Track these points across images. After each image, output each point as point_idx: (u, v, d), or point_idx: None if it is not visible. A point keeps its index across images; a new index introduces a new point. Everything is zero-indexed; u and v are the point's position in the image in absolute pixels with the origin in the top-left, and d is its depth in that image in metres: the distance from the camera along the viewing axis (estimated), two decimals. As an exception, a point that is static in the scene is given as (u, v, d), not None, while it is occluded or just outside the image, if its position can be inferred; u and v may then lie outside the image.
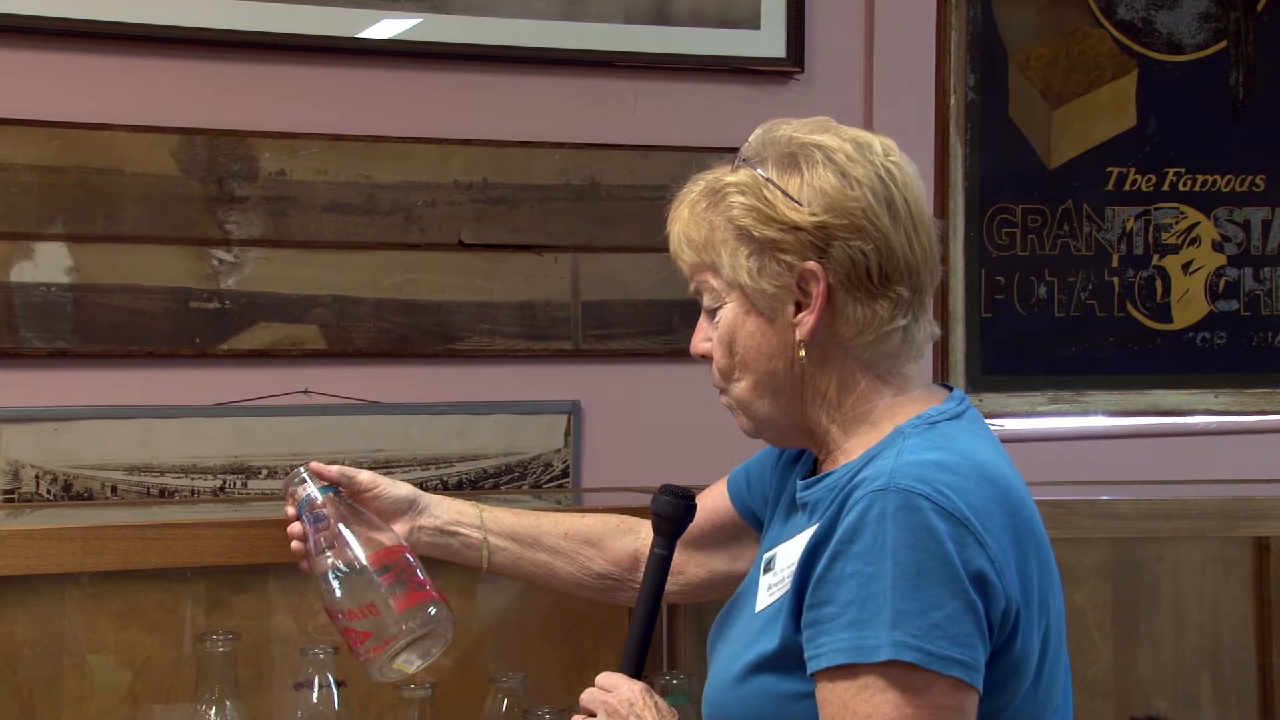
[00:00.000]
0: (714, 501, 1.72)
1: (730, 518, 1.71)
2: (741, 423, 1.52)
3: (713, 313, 1.49)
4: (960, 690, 1.29)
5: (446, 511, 1.74)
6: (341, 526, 1.64)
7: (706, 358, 1.52)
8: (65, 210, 2.40)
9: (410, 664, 1.63)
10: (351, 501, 1.69)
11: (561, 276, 2.65)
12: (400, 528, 1.70)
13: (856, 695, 1.29)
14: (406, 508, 1.72)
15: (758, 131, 1.49)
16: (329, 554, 1.63)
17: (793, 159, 1.43)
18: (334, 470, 1.69)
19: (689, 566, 1.75)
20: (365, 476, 1.71)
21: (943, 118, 2.84)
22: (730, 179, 1.46)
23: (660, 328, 2.70)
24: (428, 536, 1.73)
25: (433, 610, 1.61)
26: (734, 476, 1.72)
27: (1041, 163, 2.90)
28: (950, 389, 1.51)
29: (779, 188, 1.42)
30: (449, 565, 1.79)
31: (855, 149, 1.43)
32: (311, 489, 1.67)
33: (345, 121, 2.54)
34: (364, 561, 1.61)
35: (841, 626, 1.30)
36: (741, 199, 1.43)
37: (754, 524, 1.68)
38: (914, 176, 1.46)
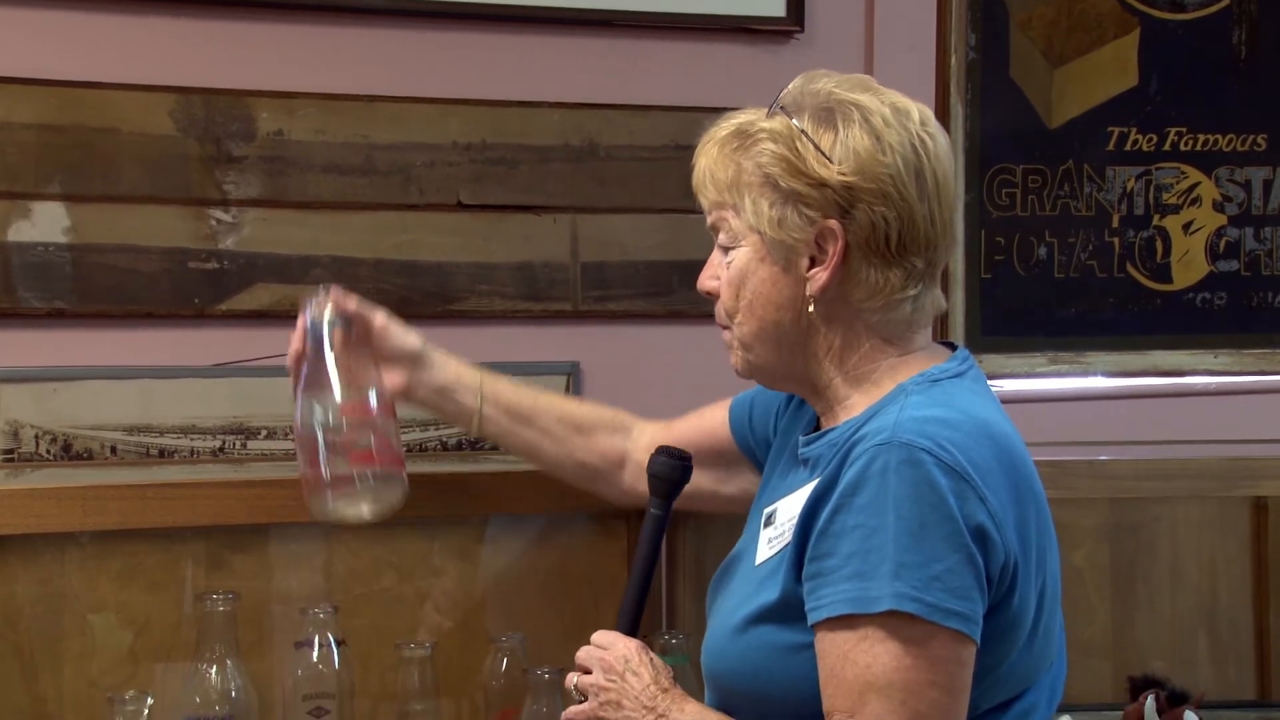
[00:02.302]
0: (712, 422, 1.72)
1: (725, 442, 1.72)
2: (735, 361, 1.52)
3: (726, 251, 1.48)
4: (959, 642, 1.31)
5: (448, 373, 1.78)
6: (331, 364, 1.67)
7: (713, 295, 1.52)
8: (62, 170, 2.39)
9: (355, 513, 1.68)
10: (362, 342, 1.72)
11: (561, 237, 2.65)
12: (399, 378, 1.75)
13: (857, 645, 1.30)
14: (410, 360, 1.77)
15: (798, 80, 1.48)
16: (311, 385, 1.68)
17: (829, 114, 1.43)
18: (352, 304, 1.72)
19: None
20: (379, 319, 1.76)
21: (943, 77, 2.83)
22: (764, 124, 1.45)
23: (660, 289, 2.69)
24: (424, 393, 1.78)
25: (371, 479, 1.66)
26: (736, 405, 1.72)
27: (1042, 122, 2.88)
28: (955, 348, 1.51)
29: (812, 141, 1.42)
30: (453, 525, 1.80)
31: (893, 114, 1.43)
32: (325, 314, 1.70)
33: (343, 81, 2.53)
34: (336, 403, 1.66)
35: (843, 578, 1.31)
36: (773, 146, 1.43)
37: (748, 456, 1.69)
38: (945, 149, 1.46)
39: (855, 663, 1.30)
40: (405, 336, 1.76)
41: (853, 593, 1.30)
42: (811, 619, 1.34)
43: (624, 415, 1.83)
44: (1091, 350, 2.93)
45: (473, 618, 2.05)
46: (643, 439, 1.80)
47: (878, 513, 1.30)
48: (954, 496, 1.30)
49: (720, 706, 1.47)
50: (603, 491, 1.82)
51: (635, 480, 1.78)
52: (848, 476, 1.34)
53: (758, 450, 1.68)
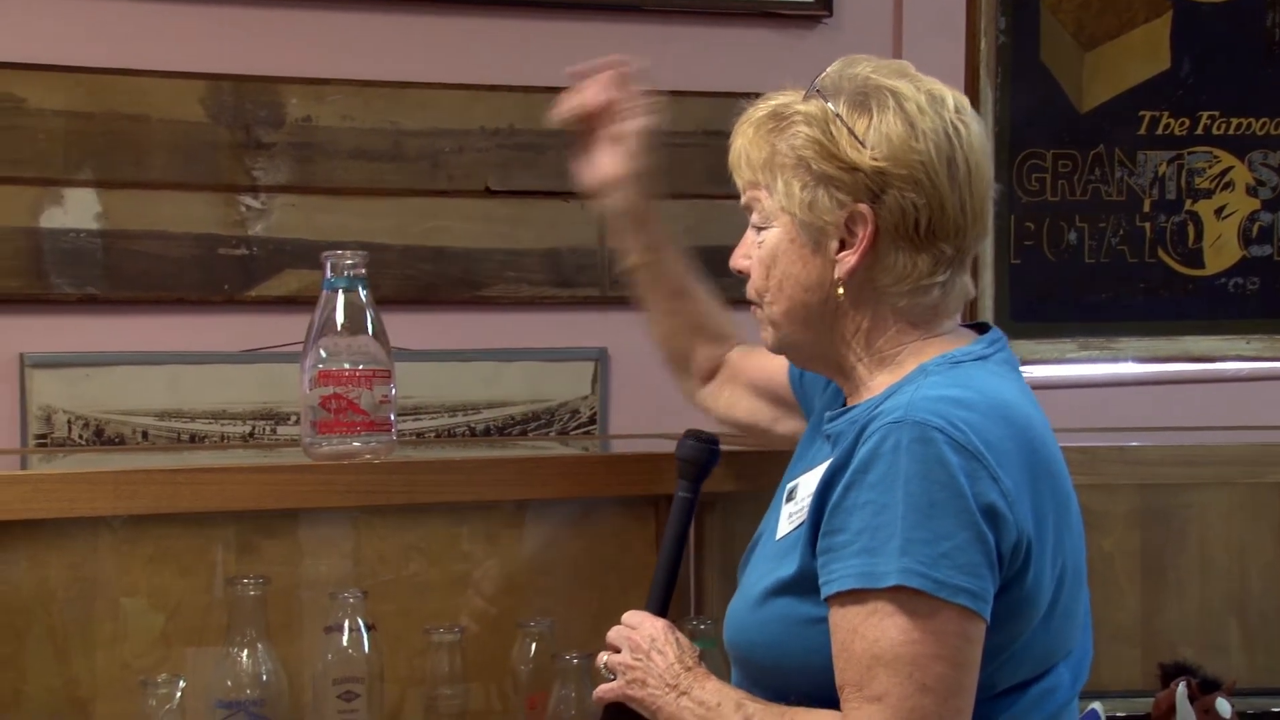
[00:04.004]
0: (777, 363, 1.74)
1: (783, 388, 1.76)
2: (766, 337, 1.54)
3: (758, 230, 1.50)
4: (966, 618, 1.32)
5: (651, 210, 1.80)
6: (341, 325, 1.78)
7: (744, 273, 1.54)
8: (94, 156, 2.40)
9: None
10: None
11: (588, 223, 2.65)
12: (618, 165, 1.77)
13: (865, 620, 1.32)
14: (635, 165, 1.78)
15: (836, 64, 1.49)
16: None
17: (865, 99, 1.44)
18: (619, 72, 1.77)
19: (742, 398, 1.80)
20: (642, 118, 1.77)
21: (973, 61, 2.81)
22: (800, 107, 1.47)
23: (687, 274, 2.69)
24: (624, 203, 1.79)
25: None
26: (792, 365, 1.74)
27: (1073, 106, 2.87)
28: (985, 331, 1.51)
29: (846, 125, 1.43)
30: (482, 510, 1.81)
31: (928, 101, 1.44)
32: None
33: (372, 67, 2.54)
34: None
35: (853, 553, 1.33)
36: (807, 129, 1.45)
37: (800, 406, 1.71)
38: (980, 138, 1.47)
39: (864, 636, 1.32)
40: (645, 152, 1.79)
41: (862, 568, 1.32)
42: (823, 593, 1.36)
43: (728, 325, 1.86)
44: (1122, 336, 2.91)
45: (501, 602, 2.05)
46: (728, 365, 1.84)
47: (888, 490, 1.32)
48: (965, 475, 1.31)
49: (744, 681, 1.50)
50: (680, 383, 1.87)
51: (704, 397, 1.84)
52: (860, 453, 1.36)
53: (804, 407, 1.70)
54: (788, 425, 1.75)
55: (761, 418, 1.79)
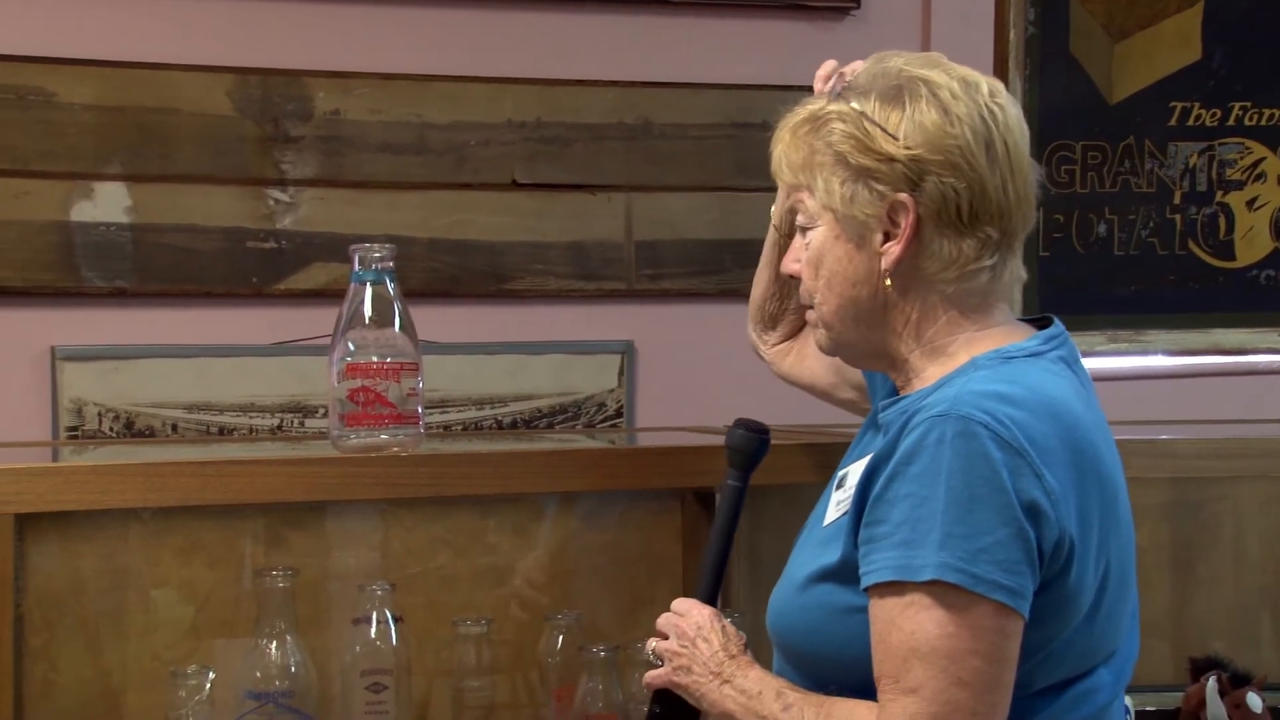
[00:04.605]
0: None
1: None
2: (819, 339, 1.56)
3: (804, 232, 1.52)
4: (1003, 614, 1.32)
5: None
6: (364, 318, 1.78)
7: (796, 277, 1.56)
8: (123, 150, 2.42)
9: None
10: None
11: (614, 216, 2.65)
12: None
13: (903, 611, 1.33)
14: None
15: (869, 61, 1.51)
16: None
17: (898, 91, 1.45)
18: None
19: (808, 359, 1.81)
20: None
21: (1002, 53, 2.80)
22: (833, 106, 1.48)
23: (713, 267, 2.69)
24: None
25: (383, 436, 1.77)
26: None
27: (1103, 98, 2.85)
28: (1045, 327, 1.50)
29: (880, 118, 1.44)
30: (509, 503, 1.81)
31: (961, 87, 1.45)
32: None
33: (399, 61, 2.54)
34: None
35: (893, 545, 1.34)
36: (842, 126, 1.46)
37: (865, 386, 1.71)
38: (1017, 120, 1.47)
39: (901, 629, 1.33)
40: None
41: (900, 560, 1.33)
42: (863, 583, 1.37)
43: (812, 364, 1.86)
44: (1151, 328, 2.89)
45: (528, 594, 2.06)
46: (807, 331, 1.84)
47: (929, 483, 1.32)
48: (1007, 471, 1.31)
49: (784, 666, 1.51)
50: (756, 334, 1.87)
51: (774, 353, 1.85)
52: (904, 445, 1.36)
53: (870, 390, 1.71)
54: (846, 394, 1.77)
55: (820, 382, 1.80)
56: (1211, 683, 2.10)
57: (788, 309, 1.84)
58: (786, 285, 1.80)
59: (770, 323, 1.86)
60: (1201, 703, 2.12)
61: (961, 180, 1.42)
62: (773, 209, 1.76)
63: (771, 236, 1.79)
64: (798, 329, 1.84)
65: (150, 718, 1.88)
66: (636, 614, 1.59)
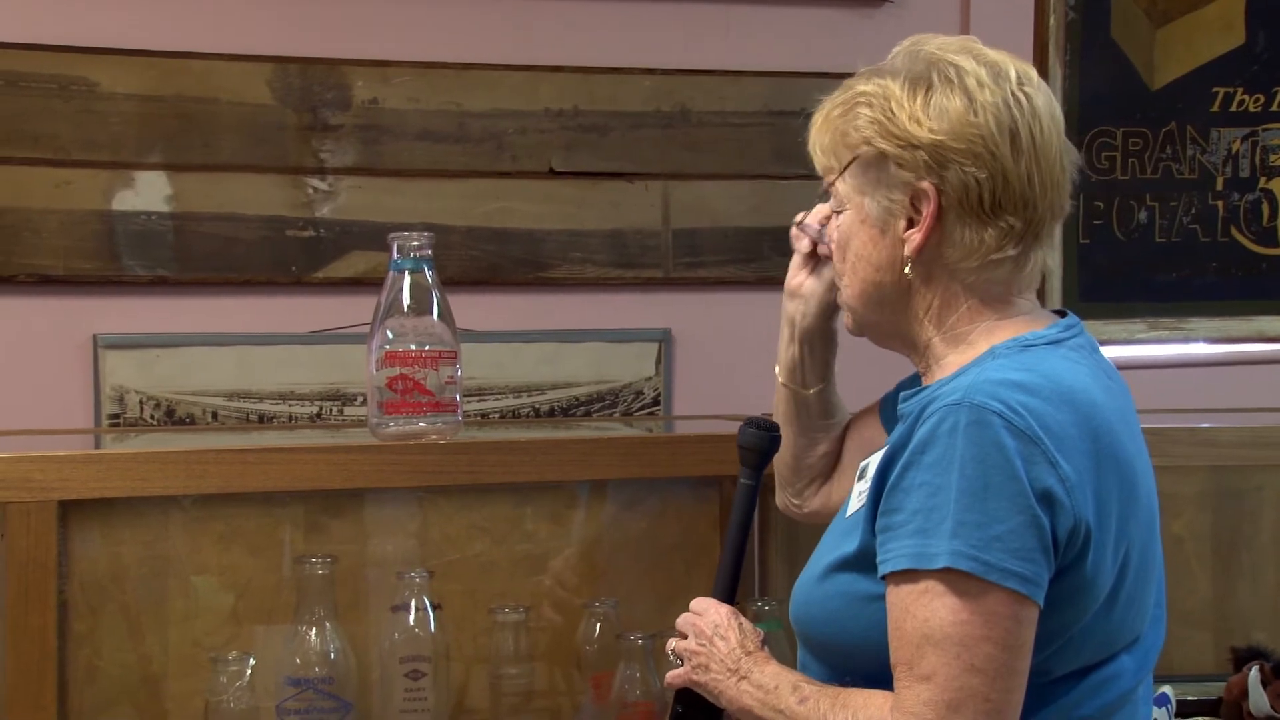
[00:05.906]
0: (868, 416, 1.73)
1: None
2: (847, 322, 1.57)
3: (836, 215, 1.54)
4: (1017, 601, 1.32)
5: (831, 333, 1.71)
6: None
7: (829, 259, 1.58)
8: (164, 139, 2.43)
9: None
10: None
11: (652, 204, 2.64)
12: (820, 281, 1.67)
13: (917, 599, 1.33)
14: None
15: (903, 45, 1.51)
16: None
17: (925, 77, 1.45)
18: None
19: (840, 479, 1.76)
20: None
21: (1041, 38, 2.77)
22: (862, 87, 1.49)
23: (751, 255, 2.68)
24: (812, 321, 1.70)
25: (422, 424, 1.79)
26: (884, 401, 1.72)
27: (1144, 84, 2.82)
28: (1062, 316, 1.51)
29: (905, 104, 1.44)
30: (546, 490, 1.81)
31: (989, 74, 1.45)
32: None
33: (437, 49, 2.54)
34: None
35: (908, 534, 1.34)
36: (868, 111, 1.46)
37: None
38: (1046, 108, 1.46)
39: (915, 616, 1.33)
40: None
41: (915, 548, 1.34)
42: (880, 572, 1.38)
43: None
44: (1193, 316, 2.87)
45: (566, 582, 2.06)
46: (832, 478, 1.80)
47: (943, 471, 1.33)
48: (1021, 459, 1.32)
49: (806, 655, 1.52)
50: (786, 489, 1.80)
51: (819, 505, 1.78)
52: (919, 434, 1.36)
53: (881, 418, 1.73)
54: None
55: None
56: (1254, 673, 2.09)
57: (829, 466, 1.78)
58: (833, 443, 1.76)
59: (805, 479, 1.78)
60: (1244, 692, 2.11)
61: (984, 170, 1.42)
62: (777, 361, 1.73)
63: (782, 394, 1.76)
64: (832, 466, 1.78)
65: (191, 703, 1.90)
66: (674, 602, 1.60)
